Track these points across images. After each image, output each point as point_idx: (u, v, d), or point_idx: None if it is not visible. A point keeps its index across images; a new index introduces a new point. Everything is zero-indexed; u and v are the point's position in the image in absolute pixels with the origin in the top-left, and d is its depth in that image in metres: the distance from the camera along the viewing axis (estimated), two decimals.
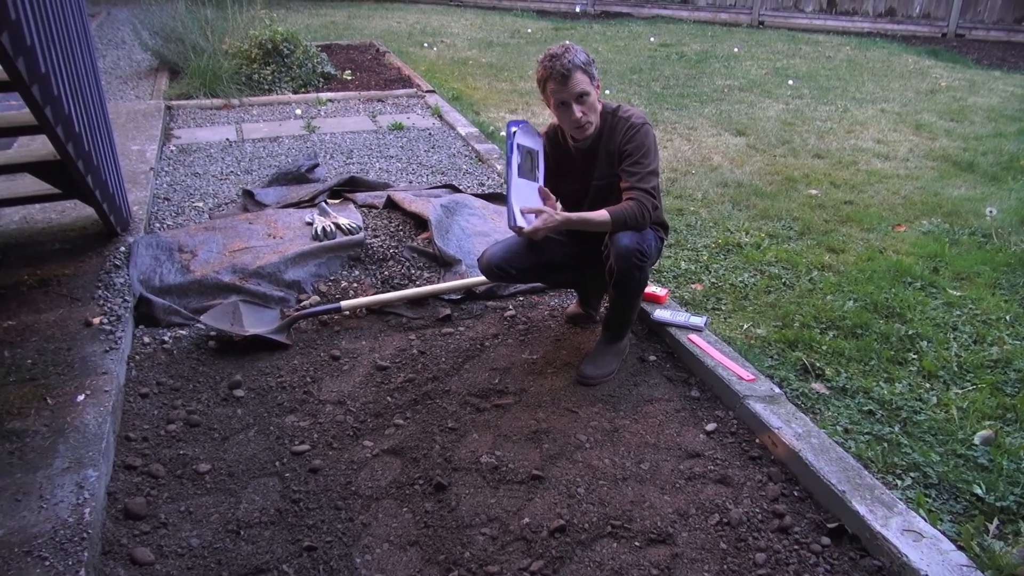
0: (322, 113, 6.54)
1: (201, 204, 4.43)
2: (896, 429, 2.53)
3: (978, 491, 2.23)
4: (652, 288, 3.20)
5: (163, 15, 8.05)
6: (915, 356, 2.96)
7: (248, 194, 4.43)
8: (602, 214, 2.57)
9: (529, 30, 11.11)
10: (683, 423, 2.58)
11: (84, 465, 2.19)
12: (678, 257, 3.79)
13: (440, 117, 6.42)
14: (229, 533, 2.11)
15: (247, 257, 3.47)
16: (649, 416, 2.61)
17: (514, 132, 2.63)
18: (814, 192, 4.74)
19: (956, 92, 7.49)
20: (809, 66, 8.70)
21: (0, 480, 2.12)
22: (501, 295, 3.43)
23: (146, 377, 2.81)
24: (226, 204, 4.44)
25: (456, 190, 4.49)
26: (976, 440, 2.46)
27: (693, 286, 3.52)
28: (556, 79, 2.54)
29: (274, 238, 3.68)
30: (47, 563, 1.87)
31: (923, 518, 2.06)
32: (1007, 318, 3.23)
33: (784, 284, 3.55)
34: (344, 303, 3.21)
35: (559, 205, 2.80)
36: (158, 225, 4.10)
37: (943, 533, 2.02)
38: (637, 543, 2.08)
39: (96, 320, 2.97)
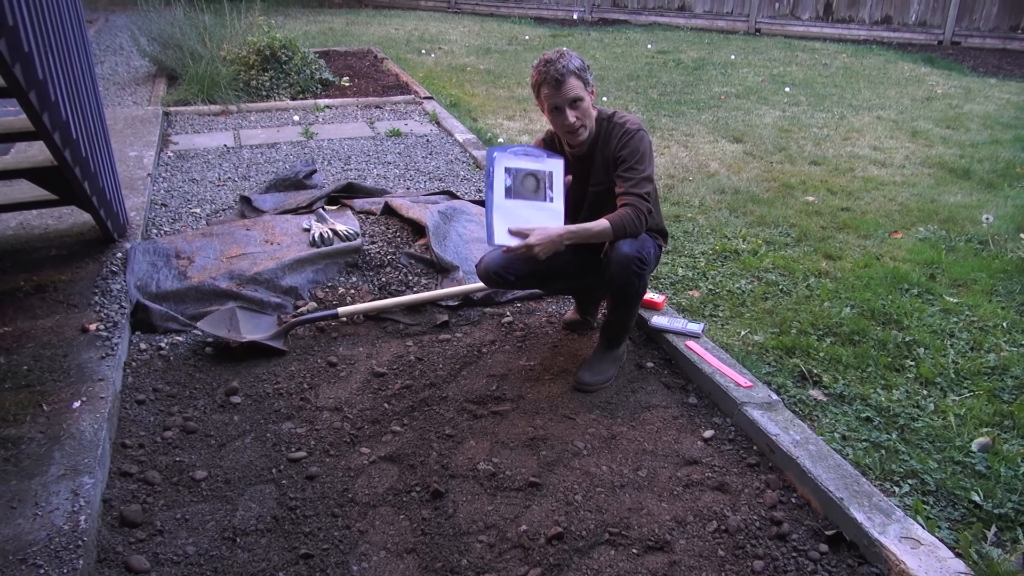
0: (320, 119, 6.54)
1: (198, 210, 4.43)
2: (894, 436, 2.53)
3: (976, 498, 2.23)
4: (650, 295, 3.20)
5: (161, 21, 8.06)
6: (912, 363, 2.96)
7: (245, 200, 4.43)
8: (602, 223, 2.57)
9: (527, 37, 11.14)
10: (681, 430, 2.58)
11: (80, 472, 2.18)
12: (675, 264, 3.80)
13: (438, 123, 6.43)
14: (225, 541, 2.10)
15: (244, 263, 3.47)
16: (647, 423, 2.61)
17: (494, 156, 2.63)
18: (811, 199, 4.75)
19: (952, 99, 7.52)
20: (806, 73, 8.74)
21: None
22: (499, 301, 3.43)
23: (142, 384, 2.80)
24: (223, 210, 4.43)
25: (454, 196, 4.49)
26: (974, 447, 2.46)
27: (690, 292, 3.52)
28: (550, 84, 2.55)
29: (271, 244, 3.68)
30: (42, 571, 1.86)
31: (921, 525, 2.05)
32: (1004, 325, 3.23)
33: (781, 291, 3.55)
34: (341, 309, 3.20)
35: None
36: (155, 231, 4.10)
37: (941, 540, 2.01)
38: (635, 550, 2.07)
39: (92, 326, 2.96)
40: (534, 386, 2.81)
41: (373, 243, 3.76)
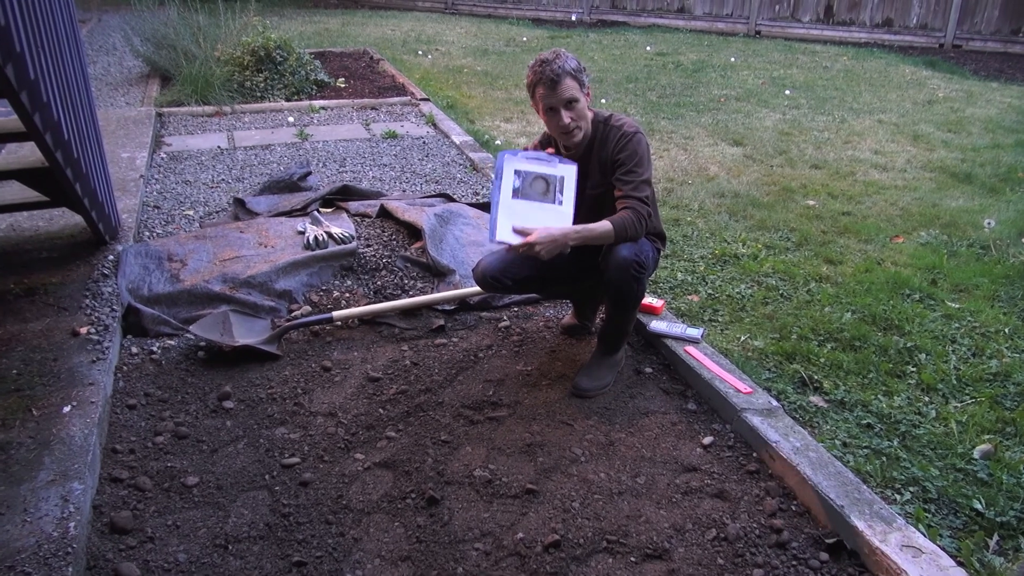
0: (315, 121, 6.55)
1: (191, 212, 4.42)
2: (895, 443, 2.53)
3: (978, 506, 2.23)
4: (648, 299, 3.20)
5: (155, 21, 8.06)
6: (914, 369, 2.97)
7: (239, 202, 4.42)
8: (605, 225, 2.56)
9: (524, 38, 11.16)
10: (679, 436, 2.58)
11: (69, 478, 2.17)
12: (674, 268, 3.80)
13: (434, 125, 6.43)
14: (217, 548, 2.09)
15: (238, 266, 3.46)
16: (645, 429, 2.61)
17: (505, 158, 2.64)
18: (811, 203, 4.76)
19: (954, 103, 7.54)
20: (806, 76, 8.76)
21: None
22: (495, 306, 3.42)
23: (134, 388, 2.79)
24: (217, 212, 4.43)
25: (450, 199, 4.49)
26: (975, 454, 2.47)
27: (690, 297, 3.53)
28: (545, 84, 2.56)
29: (265, 247, 3.68)
30: None
31: (922, 533, 2.05)
32: (1006, 331, 3.24)
33: (781, 295, 3.56)
34: (336, 313, 3.20)
35: None
36: (147, 234, 4.09)
37: (942, 549, 2.01)
38: (633, 559, 2.07)
39: (83, 330, 2.95)
40: (531, 392, 2.81)
41: (368, 246, 3.76)
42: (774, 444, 2.39)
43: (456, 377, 2.91)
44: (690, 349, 2.94)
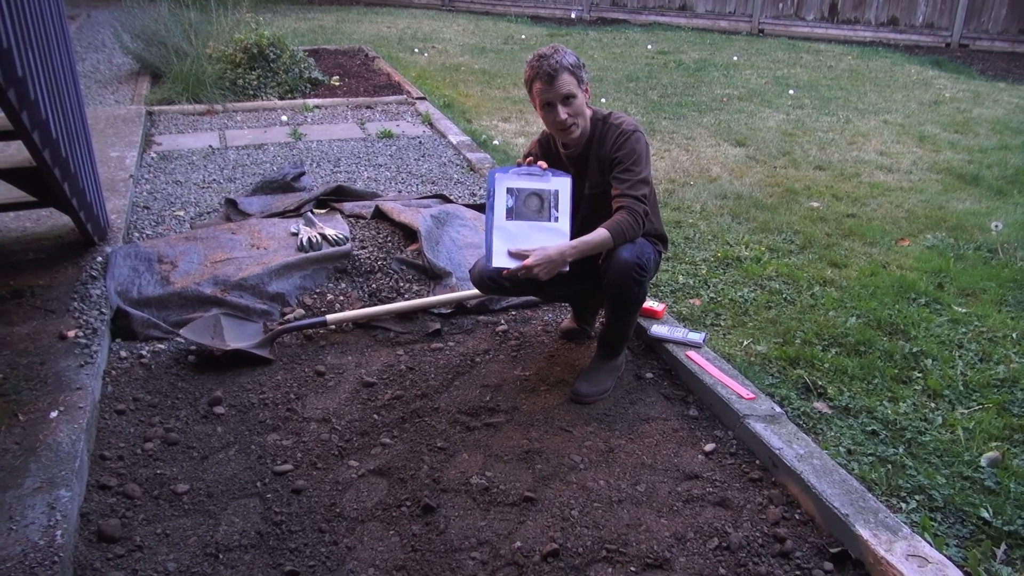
0: (309, 120, 6.55)
1: (182, 213, 4.42)
2: (900, 450, 2.53)
3: (985, 515, 2.24)
4: (649, 303, 3.20)
5: (145, 17, 8.06)
6: (920, 375, 2.97)
7: (231, 203, 4.42)
8: (601, 234, 2.56)
9: (523, 36, 11.18)
10: (681, 443, 2.58)
11: (56, 485, 2.17)
12: (676, 271, 3.81)
13: (431, 125, 6.44)
14: (208, 557, 2.09)
15: (229, 268, 3.46)
16: (646, 436, 2.61)
17: (496, 177, 2.63)
18: (815, 205, 4.77)
19: (960, 103, 7.56)
20: (810, 75, 8.78)
21: None
22: (493, 309, 3.43)
23: (122, 393, 2.79)
24: (208, 213, 4.43)
25: (447, 200, 4.49)
26: (983, 462, 2.47)
27: (691, 301, 3.53)
28: (543, 79, 2.56)
29: (258, 249, 3.68)
30: None
31: (928, 543, 2.06)
32: (1014, 336, 3.25)
33: (785, 299, 3.56)
34: (330, 317, 3.20)
35: None
36: (137, 235, 4.09)
37: (949, 558, 2.02)
38: (633, 568, 2.07)
39: (71, 333, 2.95)
40: (529, 397, 2.81)
41: (363, 248, 3.76)
42: (777, 451, 2.40)
43: (452, 382, 2.91)
44: (691, 354, 2.94)
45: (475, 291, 3.25)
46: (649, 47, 10.39)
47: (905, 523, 2.12)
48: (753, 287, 3.67)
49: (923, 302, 3.53)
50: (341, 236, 3.75)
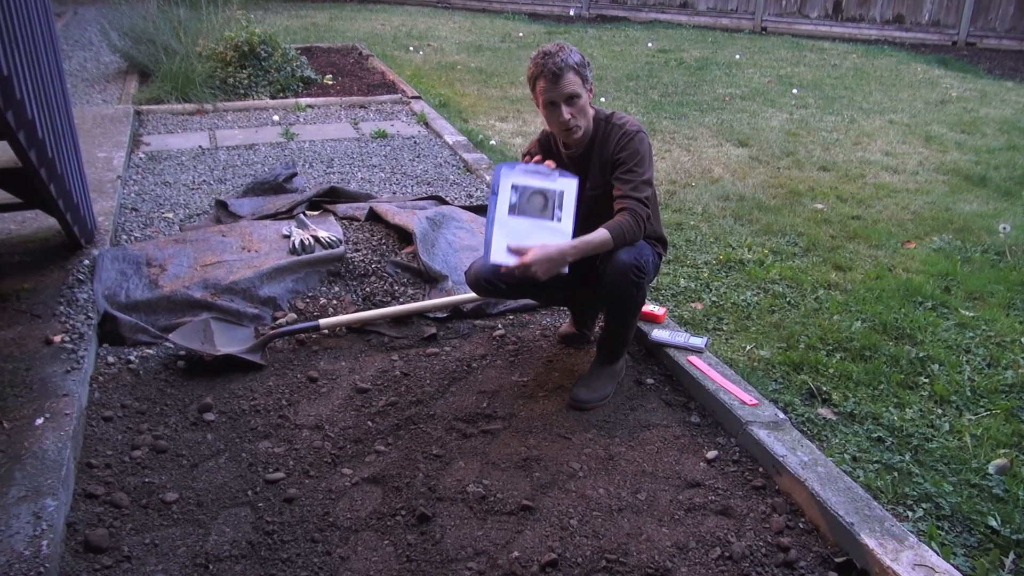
0: (301, 119, 6.55)
1: (171, 215, 4.42)
2: (907, 457, 2.54)
3: (993, 523, 2.24)
4: (650, 307, 3.21)
5: (133, 15, 8.07)
6: (926, 380, 2.98)
7: (221, 205, 4.43)
8: (602, 234, 2.57)
9: (520, 34, 11.20)
10: (682, 450, 2.58)
11: (42, 494, 2.17)
12: (677, 274, 3.81)
13: (426, 125, 6.45)
14: (197, 567, 2.08)
15: (220, 272, 3.46)
16: (646, 443, 2.61)
17: (501, 172, 2.63)
18: (820, 206, 4.78)
19: (967, 103, 7.59)
20: (814, 74, 8.81)
21: None
22: (490, 313, 3.43)
23: (110, 399, 2.79)
24: (198, 215, 4.43)
25: (443, 202, 4.50)
26: (991, 469, 2.48)
27: (693, 305, 3.54)
28: (547, 77, 2.57)
29: (249, 252, 3.68)
30: None
31: (936, 552, 2.06)
32: (1022, 340, 3.26)
33: (789, 303, 3.57)
34: (323, 321, 3.20)
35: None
36: (125, 237, 4.09)
37: (956, 568, 2.02)
38: None
39: (57, 338, 2.95)
40: (527, 403, 2.81)
41: (357, 251, 3.76)
42: (781, 458, 2.40)
43: (448, 388, 2.91)
44: (693, 359, 2.95)
45: (471, 295, 3.26)
46: (650, 45, 10.42)
47: (912, 532, 2.13)
48: (756, 291, 3.68)
49: (930, 306, 3.54)
50: (334, 238, 3.75)
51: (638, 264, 2.60)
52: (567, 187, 2.65)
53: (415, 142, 5.97)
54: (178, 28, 7.60)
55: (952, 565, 2.02)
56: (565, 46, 2.61)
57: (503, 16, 13.00)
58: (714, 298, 3.60)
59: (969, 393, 2.90)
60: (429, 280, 3.60)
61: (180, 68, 6.99)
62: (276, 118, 6.54)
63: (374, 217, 4.11)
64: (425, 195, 4.66)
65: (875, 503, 2.22)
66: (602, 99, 7.37)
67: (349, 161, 5.47)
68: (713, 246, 4.17)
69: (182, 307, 3.28)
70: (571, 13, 13.20)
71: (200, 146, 5.73)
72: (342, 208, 4.26)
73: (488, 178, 5.03)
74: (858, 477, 2.42)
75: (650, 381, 2.98)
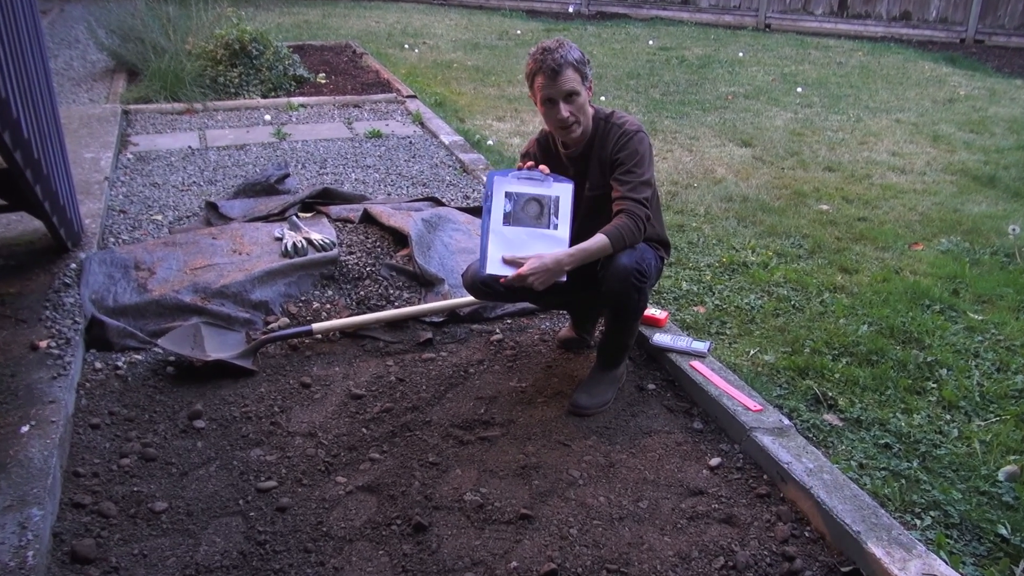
0: (293, 119, 6.56)
1: (160, 217, 4.43)
2: (915, 464, 2.54)
3: (1003, 531, 2.25)
4: (651, 311, 3.22)
5: (121, 12, 8.08)
6: (934, 385, 2.99)
7: (212, 206, 4.43)
8: (600, 241, 2.57)
9: (518, 31, 11.22)
10: (685, 457, 2.59)
11: (28, 503, 2.17)
12: (679, 277, 3.82)
13: (422, 124, 6.46)
14: None
15: (210, 275, 3.47)
16: (648, 450, 2.62)
17: (494, 179, 2.63)
18: (825, 208, 4.79)
19: (976, 102, 7.61)
20: (819, 72, 8.83)
21: None
22: (487, 317, 3.44)
23: (97, 406, 2.79)
24: (188, 217, 4.43)
25: (439, 203, 4.51)
26: (1000, 476, 2.48)
27: (695, 308, 3.54)
28: (545, 73, 2.58)
29: (240, 254, 3.68)
30: None
31: (944, 561, 2.07)
32: None
33: (793, 307, 3.58)
34: (316, 326, 3.20)
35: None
36: (113, 240, 4.09)
37: None
38: None
39: (43, 344, 2.95)
40: (526, 410, 2.82)
41: (351, 253, 3.77)
42: (786, 465, 2.41)
43: (445, 394, 2.91)
44: (696, 364, 2.95)
45: (468, 298, 3.26)
46: (651, 43, 10.45)
47: (919, 540, 2.13)
48: (760, 294, 3.69)
49: (938, 309, 3.55)
50: (328, 241, 3.76)
51: (639, 268, 2.61)
52: (563, 192, 2.66)
53: (410, 142, 5.98)
54: (167, 25, 7.61)
55: (961, 574, 2.03)
56: (565, 42, 2.62)
57: (500, 13, 13.02)
58: (717, 301, 3.61)
59: (978, 398, 2.90)
60: (425, 283, 3.60)
61: (169, 66, 6.99)
62: (268, 118, 6.55)
63: (368, 219, 4.12)
64: (421, 196, 4.67)
65: (882, 511, 2.22)
66: (602, 98, 7.38)
67: (343, 162, 5.47)
68: (716, 248, 4.18)
69: (171, 311, 3.29)
70: (570, 10, 13.23)
71: (190, 146, 5.73)
72: (336, 210, 4.27)
73: (485, 179, 5.03)
74: (865, 484, 2.43)
75: (652, 386, 2.98)
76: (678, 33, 11.33)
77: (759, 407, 2.69)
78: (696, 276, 3.85)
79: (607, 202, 2.70)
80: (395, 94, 7.35)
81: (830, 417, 2.79)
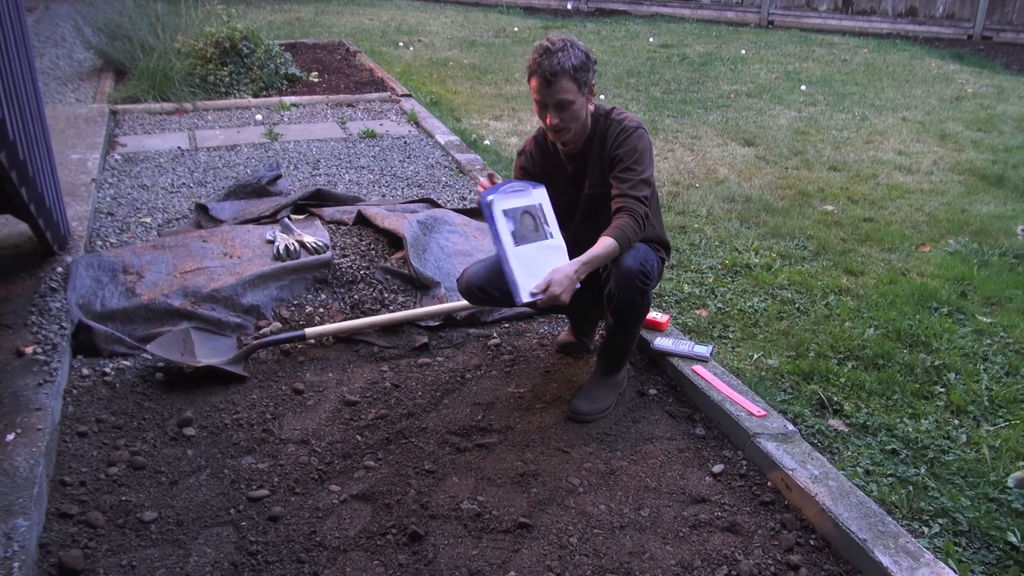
0: (285, 119, 6.57)
1: (149, 220, 4.43)
2: (922, 470, 2.55)
3: (1013, 539, 2.25)
4: (652, 314, 3.22)
5: (108, 10, 8.08)
6: (942, 389, 2.99)
7: (202, 209, 4.43)
8: (608, 244, 2.56)
9: (515, 29, 11.24)
10: (687, 464, 2.59)
11: (13, 513, 2.16)
12: (681, 280, 3.83)
13: (417, 124, 6.47)
14: None
15: (200, 279, 3.47)
16: (649, 457, 2.62)
17: (490, 201, 2.61)
18: (830, 208, 4.80)
19: (983, 99, 7.64)
20: (823, 70, 8.86)
21: None
22: (484, 321, 3.44)
23: (85, 414, 2.79)
24: (177, 220, 4.44)
25: (434, 205, 4.51)
26: (1010, 482, 2.49)
27: (698, 312, 3.55)
28: (541, 78, 2.58)
29: (231, 258, 3.68)
30: None
31: (953, 569, 2.07)
32: None
33: (798, 310, 3.59)
34: (309, 330, 3.21)
35: None
36: (100, 243, 4.09)
37: None
38: None
39: (29, 349, 2.95)
40: (524, 416, 2.82)
41: (344, 256, 3.77)
42: (790, 472, 2.41)
43: (441, 400, 2.91)
44: (698, 368, 2.96)
45: (465, 302, 3.26)
46: (651, 40, 10.47)
47: (927, 548, 2.14)
48: (763, 296, 3.69)
49: (945, 312, 3.56)
50: (321, 244, 3.76)
51: (644, 270, 2.61)
52: (543, 198, 2.70)
53: (405, 142, 5.98)
54: (156, 23, 7.61)
55: None
56: (568, 44, 2.60)
57: (497, 10, 13.05)
58: (720, 304, 3.62)
59: (987, 403, 2.91)
60: (420, 287, 3.61)
61: (158, 65, 7.00)
62: (259, 117, 6.55)
63: (362, 221, 4.12)
64: (416, 198, 4.68)
65: (889, 518, 2.23)
66: (601, 96, 7.40)
67: (336, 162, 5.48)
68: (718, 250, 4.18)
69: (160, 316, 3.29)
70: (569, 7, 13.26)
71: (179, 147, 5.74)
72: (329, 212, 4.27)
73: (482, 180, 5.03)
74: (871, 491, 2.43)
75: (653, 392, 2.99)
76: (679, 30, 11.36)
77: (763, 412, 2.69)
78: (698, 278, 3.86)
79: (605, 201, 2.70)
80: (389, 93, 7.36)
81: (835, 422, 2.80)
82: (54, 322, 3.16)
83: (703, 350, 3.05)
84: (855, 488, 2.35)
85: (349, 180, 5.13)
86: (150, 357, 3.09)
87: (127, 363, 3.11)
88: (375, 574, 2.15)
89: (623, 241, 2.58)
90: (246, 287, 3.44)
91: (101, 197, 4.73)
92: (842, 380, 3.03)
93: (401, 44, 9.97)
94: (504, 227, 2.61)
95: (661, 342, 3.12)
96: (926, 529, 2.31)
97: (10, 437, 2.47)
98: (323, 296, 3.57)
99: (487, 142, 5.96)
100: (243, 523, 2.32)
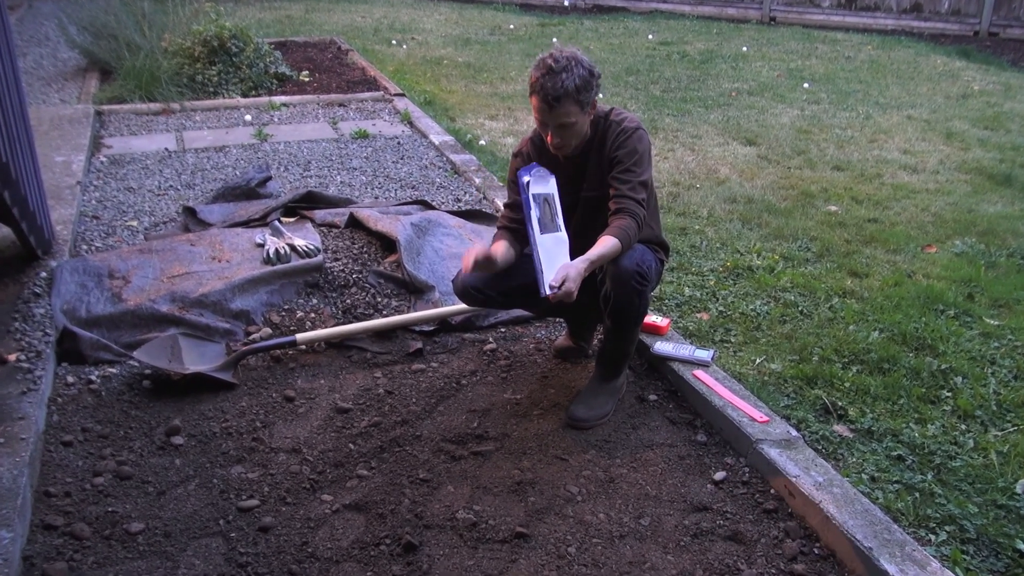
0: (275, 119, 6.57)
1: (135, 223, 4.43)
2: (929, 477, 2.56)
3: (1021, 547, 2.26)
4: (652, 318, 3.23)
5: (93, 8, 8.09)
6: (949, 394, 3.00)
7: (190, 212, 4.43)
8: (612, 243, 2.56)
9: (511, 26, 11.26)
10: (688, 471, 2.59)
11: None
12: (681, 282, 3.84)
13: (410, 124, 6.48)
14: None
15: (188, 284, 3.47)
16: (649, 464, 2.62)
17: (527, 182, 2.59)
18: (834, 209, 4.82)
19: (990, 97, 7.66)
20: (827, 67, 8.88)
21: None
22: (480, 326, 3.44)
23: (70, 423, 2.79)
24: (164, 223, 4.44)
25: (428, 206, 4.52)
26: (1018, 489, 2.49)
27: (699, 315, 3.56)
28: (543, 100, 2.57)
29: (219, 262, 3.68)
30: None
31: None
32: None
33: (801, 313, 3.59)
34: (300, 336, 3.21)
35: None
36: (85, 247, 4.09)
37: None
38: None
39: (12, 357, 2.94)
40: (521, 423, 2.82)
41: (336, 260, 3.77)
42: (794, 479, 2.42)
43: (436, 407, 2.92)
44: (699, 373, 2.96)
45: (460, 306, 3.27)
46: (650, 37, 10.49)
47: (934, 557, 2.14)
48: (766, 299, 3.70)
49: (952, 314, 3.57)
50: (312, 247, 3.76)
51: (640, 270, 2.62)
52: (553, 188, 2.69)
53: (398, 142, 5.99)
54: (142, 22, 7.62)
55: None
56: (573, 63, 2.57)
57: (493, 7, 13.07)
58: (721, 308, 3.62)
59: (995, 407, 2.92)
60: (414, 291, 3.61)
61: (144, 65, 7.00)
62: (248, 118, 6.56)
63: (355, 224, 4.13)
64: (409, 199, 4.68)
65: (895, 526, 2.23)
66: (600, 95, 7.40)
67: (327, 163, 5.48)
68: (720, 252, 4.19)
69: (147, 322, 3.29)
70: (566, 3, 13.29)
71: (166, 148, 5.74)
72: (320, 214, 4.28)
73: (477, 181, 5.05)
74: (877, 498, 2.44)
75: (653, 397, 2.99)
76: (679, 27, 11.39)
77: (765, 418, 2.70)
78: (699, 281, 3.86)
79: (603, 204, 2.71)
80: (382, 92, 7.37)
81: (840, 428, 2.80)
82: (38, 329, 3.16)
83: (704, 354, 3.06)
84: (860, 495, 2.36)
85: (341, 182, 5.14)
86: (137, 364, 3.09)
87: (113, 370, 3.10)
88: None
89: (625, 241, 2.58)
90: (235, 292, 3.44)
91: (86, 200, 4.73)
92: (846, 384, 3.03)
93: (394, 42, 9.98)
94: (534, 213, 2.59)
95: (661, 346, 3.13)
96: (933, 537, 2.31)
97: None
98: (314, 301, 3.57)
99: (482, 142, 5.96)
100: (233, 534, 2.32)
